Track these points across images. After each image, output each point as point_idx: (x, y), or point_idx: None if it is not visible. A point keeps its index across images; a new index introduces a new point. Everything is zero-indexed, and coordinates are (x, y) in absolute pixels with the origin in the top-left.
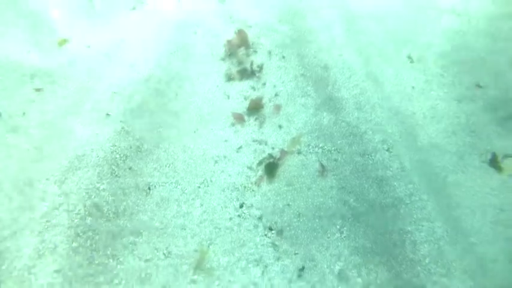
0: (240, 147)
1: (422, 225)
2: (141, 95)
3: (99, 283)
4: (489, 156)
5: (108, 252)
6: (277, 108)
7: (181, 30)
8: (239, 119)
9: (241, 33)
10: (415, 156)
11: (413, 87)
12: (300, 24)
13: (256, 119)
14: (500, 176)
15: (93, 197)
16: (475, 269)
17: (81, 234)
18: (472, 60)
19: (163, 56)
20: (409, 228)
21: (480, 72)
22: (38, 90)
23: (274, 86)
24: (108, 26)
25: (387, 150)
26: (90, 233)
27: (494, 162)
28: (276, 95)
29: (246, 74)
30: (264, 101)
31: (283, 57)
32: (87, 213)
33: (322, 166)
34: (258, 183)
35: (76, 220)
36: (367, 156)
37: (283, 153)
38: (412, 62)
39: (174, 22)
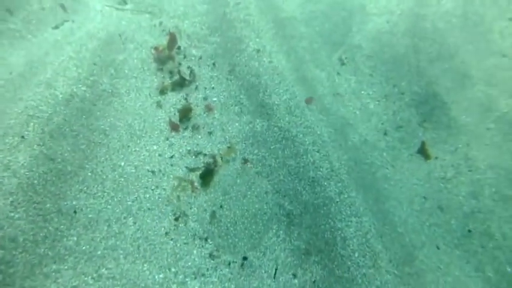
0: (174, 160)
1: (351, 221)
2: (61, 116)
3: None
4: (418, 146)
5: (26, 285)
6: (209, 108)
7: (109, 46)
8: (174, 128)
9: (171, 36)
10: (344, 155)
11: (345, 88)
12: (230, 34)
13: (190, 127)
14: (426, 166)
15: (5, 227)
16: (401, 257)
17: None
18: (397, 60)
19: (88, 74)
20: (339, 225)
21: (404, 70)
22: None
23: (207, 97)
24: (27, 45)
25: (317, 151)
26: (2, 267)
27: (423, 150)
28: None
29: (179, 84)
30: (193, 105)
31: (215, 66)
32: None
33: (245, 160)
34: (192, 191)
35: None
36: (299, 158)
37: (216, 160)
38: (343, 64)
39: (100, 38)
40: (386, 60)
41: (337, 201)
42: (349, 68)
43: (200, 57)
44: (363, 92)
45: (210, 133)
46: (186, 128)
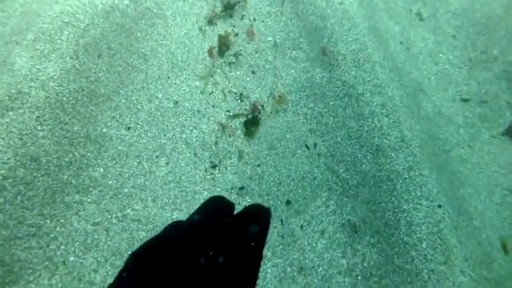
0: (217, 101)
1: (421, 204)
2: (99, 30)
3: (29, 248)
4: (505, 127)
5: (45, 212)
6: (251, 34)
7: None
8: (211, 54)
9: None
10: (417, 125)
11: (420, 47)
12: None
13: (238, 67)
14: (510, 153)
15: (28, 144)
16: (478, 257)
17: (8, 188)
18: (490, 21)
19: None
20: (405, 207)
21: (498, 34)
22: None
23: (262, 35)
24: None
25: (386, 116)
26: (21, 187)
27: (509, 133)
28: (264, 43)
29: (230, 15)
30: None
31: (274, 0)
32: (18, 163)
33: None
34: (234, 139)
35: (2, 171)
36: (362, 121)
37: (264, 108)
38: (421, 19)
39: None
40: (477, 20)
41: (405, 178)
42: (428, 25)
43: None
44: (441, 56)
45: (260, 77)
46: (232, 67)
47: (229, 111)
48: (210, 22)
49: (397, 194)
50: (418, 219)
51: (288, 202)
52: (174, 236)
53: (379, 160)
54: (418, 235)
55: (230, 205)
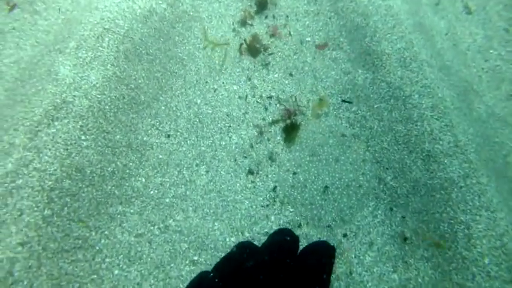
0: (256, 105)
1: (481, 215)
2: (138, 35)
3: (76, 261)
4: None
5: (90, 224)
6: (278, 33)
7: None
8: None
9: None
10: (470, 127)
11: (469, 43)
12: None
13: (276, 69)
14: None
15: (73, 155)
16: None
17: (55, 199)
18: None
19: None
20: (463, 218)
21: None
22: (15, 20)
23: (300, 35)
24: None
25: (437, 119)
26: (67, 199)
27: None
28: (302, 44)
29: (266, 16)
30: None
31: None
32: (64, 174)
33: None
34: (274, 146)
35: (50, 182)
36: (411, 125)
37: (304, 113)
38: (469, 12)
39: None
40: None
41: (461, 187)
42: (477, 19)
43: None
44: (491, 51)
45: (299, 79)
46: (270, 70)
47: (268, 116)
48: (245, 23)
49: (452, 203)
50: (478, 231)
51: (333, 212)
52: (248, 264)
53: (431, 167)
54: (479, 249)
55: (296, 239)
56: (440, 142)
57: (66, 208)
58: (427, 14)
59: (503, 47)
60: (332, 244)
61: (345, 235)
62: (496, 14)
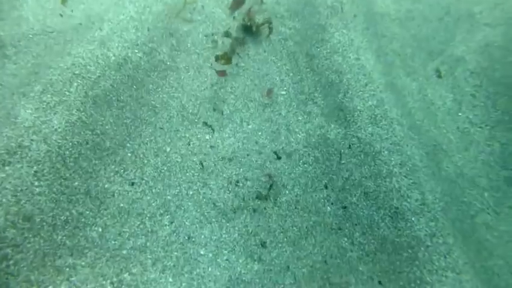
0: (228, 158)
1: (447, 277)
2: (110, 82)
3: None
4: None
5: (32, 278)
6: (269, 92)
7: (175, 13)
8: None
9: (250, 14)
10: (438, 186)
11: (439, 105)
12: (313, 20)
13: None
14: None
15: (22, 202)
16: None
17: None
18: (510, 81)
19: (147, 39)
20: (429, 279)
21: None
22: None
23: (273, 88)
24: None
25: (405, 176)
26: (8, 250)
27: None
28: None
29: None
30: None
31: (290, 54)
32: (8, 223)
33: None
34: (242, 194)
35: None
36: (380, 181)
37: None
38: (439, 76)
39: (167, 3)
40: (497, 80)
41: (427, 246)
42: (446, 83)
43: (274, 37)
44: (460, 114)
45: (273, 131)
46: (244, 122)
47: (240, 169)
48: (223, 74)
49: (419, 263)
50: None
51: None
52: None
53: (399, 224)
54: None
55: None
56: (408, 200)
57: (5, 261)
58: (399, 75)
59: (471, 111)
60: None
61: None
62: (463, 80)
